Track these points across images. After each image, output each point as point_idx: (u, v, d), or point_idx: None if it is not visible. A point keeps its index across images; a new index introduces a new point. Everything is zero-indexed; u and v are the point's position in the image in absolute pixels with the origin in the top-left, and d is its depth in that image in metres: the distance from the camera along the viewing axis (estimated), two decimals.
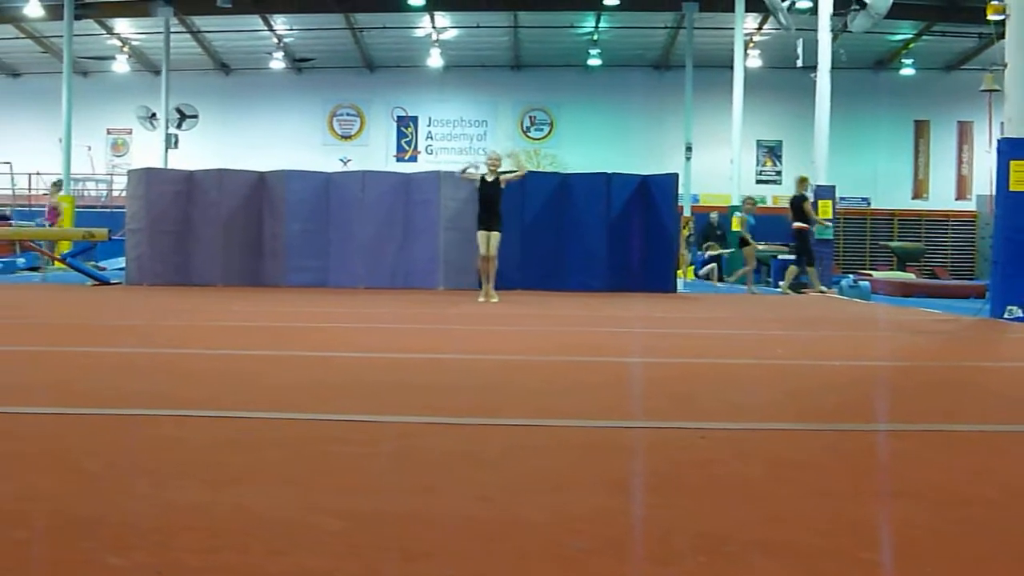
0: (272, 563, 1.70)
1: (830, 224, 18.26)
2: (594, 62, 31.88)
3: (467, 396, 3.87)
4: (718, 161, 28.62)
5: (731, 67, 24.56)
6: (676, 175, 16.14)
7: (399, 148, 34.78)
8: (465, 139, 34.41)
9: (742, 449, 2.87)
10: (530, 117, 34.36)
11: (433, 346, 6.32)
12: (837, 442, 3.07)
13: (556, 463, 2.59)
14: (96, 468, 2.44)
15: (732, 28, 24.94)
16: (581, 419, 3.28)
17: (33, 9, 27.31)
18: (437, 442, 2.86)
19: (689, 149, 28.19)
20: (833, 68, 18.48)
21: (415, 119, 34.83)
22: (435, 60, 32.34)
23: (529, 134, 34.38)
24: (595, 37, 30.72)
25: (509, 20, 30.05)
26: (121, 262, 17.70)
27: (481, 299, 11.71)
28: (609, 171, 16.19)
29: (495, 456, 2.67)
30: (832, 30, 18.79)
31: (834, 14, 18.78)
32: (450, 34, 31.32)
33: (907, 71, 31.93)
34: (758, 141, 32.61)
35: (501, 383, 4.33)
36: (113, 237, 16.10)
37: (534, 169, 24.67)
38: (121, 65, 33.21)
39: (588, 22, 30.07)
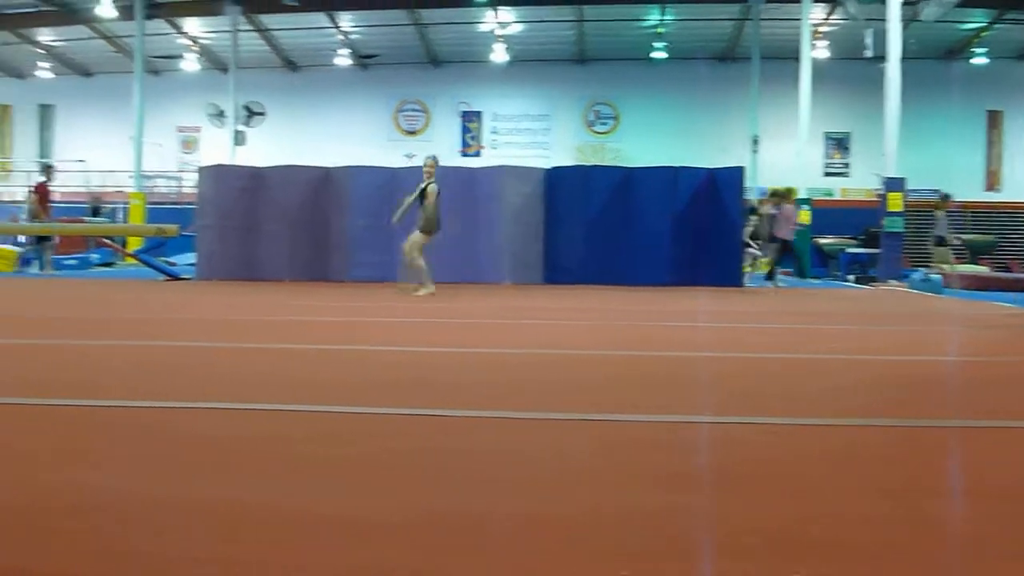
0: (328, 557, 1.72)
1: (899, 217, 17.97)
2: (659, 55, 31.64)
3: (531, 391, 3.87)
4: (785, 153, 28.28)
5: (798, 58, 24.24)
6: (742, 168, 15.99)
7: (463, 143, 34.87)
8: (529, 133, 34.40)
9: (805, 445, 2.84)
10: (594, 111, 34.24)
11: (497, 340, 6.33)
12: (902, 438, 3.03)
13: (619, 459, 2.59)
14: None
15: (799, 19, 24.60)
16: (644, 414, 3.27)
17: (105, 10, 27.80)
18: (500, 437, 2.87)
19: (756, 142, 27.91)
20: (903, 58, 18.17)
21: (479, 114, 34.89)
22: (499, 55, 32.36)
23: (593, 128, 34.27)
24: (660, 30, 30.50)
25: (573, 14, 29.96)
26: (190, 257, 17.97)
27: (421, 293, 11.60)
28: (674, 165, 16.09)
29: (558, 451, 2.67)
30: (902, 19, 18.47)
31: (904, 3, 18.46)
32: (514, 29, 31.31)
33: (979, 60, 31.25)
34: (825, 133, 32.17)
35: (564, 378, 4.33)
36: (183, 233, 16.37)
37: (597, 163, 24.61)
38: (190, 63, 33.70)
39: (653, 15, 29.88)
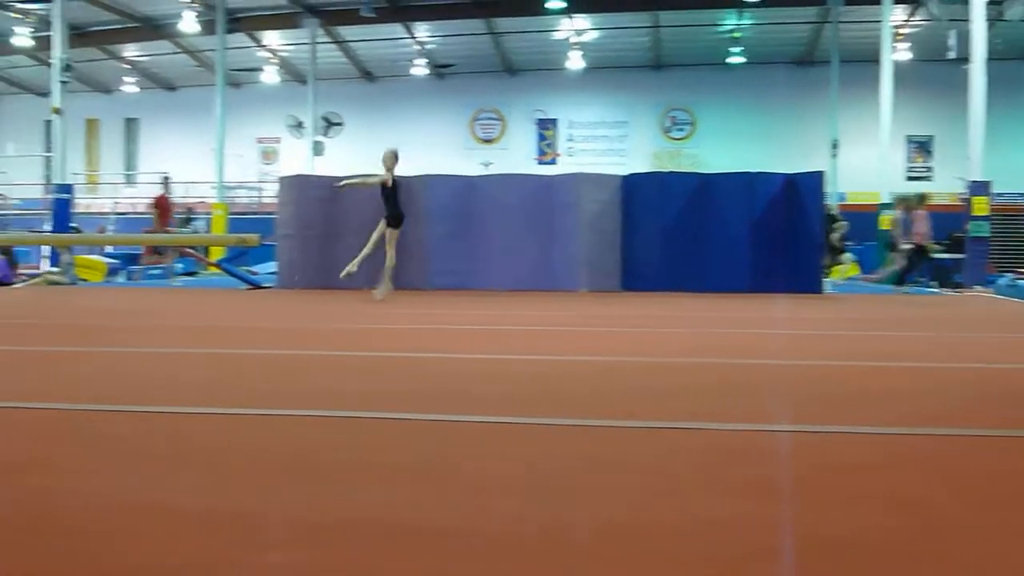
0: (416, 566, 1.73)
1: (985, 222, 17.59)
2: (736, 60, 31.39)
3: (609, 399, 3.86)
4: (866, 158, 27.83)
5: (878, 61, 23.86)
6: (822, 173, 15.75)
7: (539, 151, 34.94)
8: (605, 140, 34.37)
9: (890, 455, 2.79)
10: (671, 117, 34.09)
11: (577, 349, 6.33)
12: (993, 449, 2.96)
13: (699, 466, 2.57)
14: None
15: (879, 21, 24.23)
16: (723, 422, 3.25)
17: (188, 25, 28.43)
18: (582, 446, 2.87)
19: (835, 146, 27.54)
20: (988, 59, 17.78)
21: (555, 121, 34.94)
22: (575, 62, 32.38)
23: (670, 134, 34.12)
24: (737, 34, 30.25)
25: (649, 20, 29.88)
26: (271, 266, 18.22)
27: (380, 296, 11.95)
28: (752, 170, 15.93)
29: (637, 460, 2.66)
30: (987, 19, 18.08)
31: (989, 3, 18.08)
32: (590, 36, 31.32)
33: None
34: (908, 136, 31.65)
35: (643, 385, 4.31)
36: (263, 242, 16.61)
37: (674, 169, 24.51)
38: (270, 76, 34.28)
39: (730, 19, 29.66)
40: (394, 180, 12.31)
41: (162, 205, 19.27)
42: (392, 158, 12.37)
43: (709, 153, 32.58)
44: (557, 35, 31.38)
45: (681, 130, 34.11)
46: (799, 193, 15.19)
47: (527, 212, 15.49)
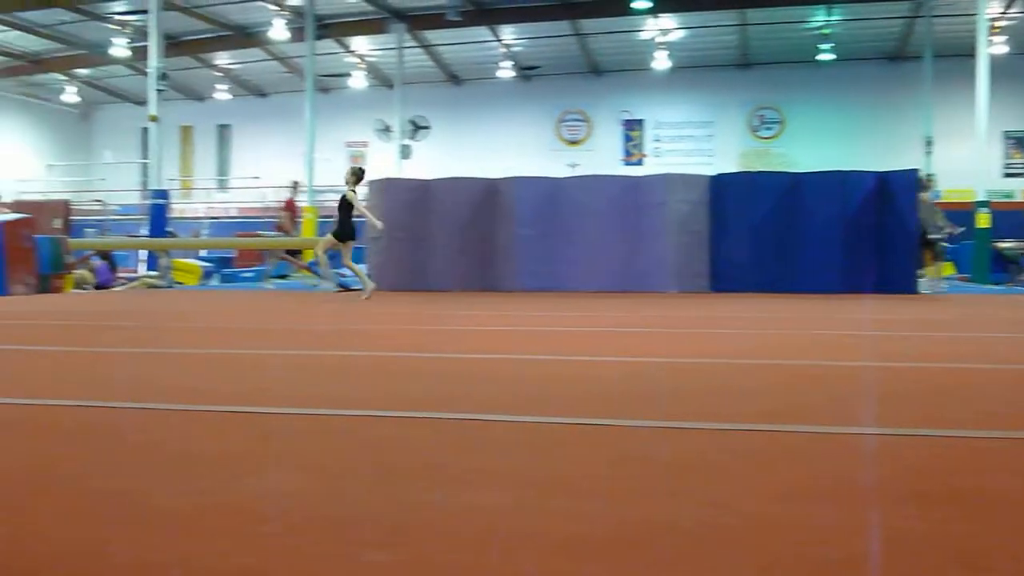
0: (508, 566, 1.74)
1: None
2: (825, 56, 30.88)
3: (695, 400, 3.84)
4: (961, 154, 27.18)
5: (973, 55, 23.29)
6: (916, 170, 15.45)
7: (626, 152, 34.81)
8: (692, 141, 34.10)
9: (987, 459, 2.73)
10: (759, 116, 33.69)
11: (662, 350, 6.30)
12: None
13: (786, 469, 2.55)
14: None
15: (974, 14, 23.64)
16: (812, 424, 3.21)
17: (278, 32, 28.94)
18: (668, 447, 2.86)
19: (929, 143, 26.95)
20: None
21: (641, 122, 34.78)
22: (661, 62, 32.18)
23: (758, 133, 33.73)
24: (826, 31, 29.75)
25: (736, 18, 29.56)
26: (360, 268, 18.42)
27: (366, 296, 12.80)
28: (843, 168, 15.69)
29: (724, 461, 2.64)
30: None
31: None
32: (676, 35, 31.10)
33: None
34: (1005, 132, 30.84)
35: (728, 387, 4.27)
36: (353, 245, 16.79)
37: (762, 169, 24.23)
38: (358, 81, 34.69)
39: (819, 16, 29.19)
40: (348, 198, 13.28)
41: (290, 207, 19.69)
42: (349, 174, 13.50)
43: (798, 152, 32.13)
44: (643, 35, 31.22)
45: (769, 129, 33.69)
46: (892, 191, 14.93)
47: (614, 213, 15.46)
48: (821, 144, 31.63)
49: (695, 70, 33.35)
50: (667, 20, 30.00)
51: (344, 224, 13.24)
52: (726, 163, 30.37)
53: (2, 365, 5.22)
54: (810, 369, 5.00)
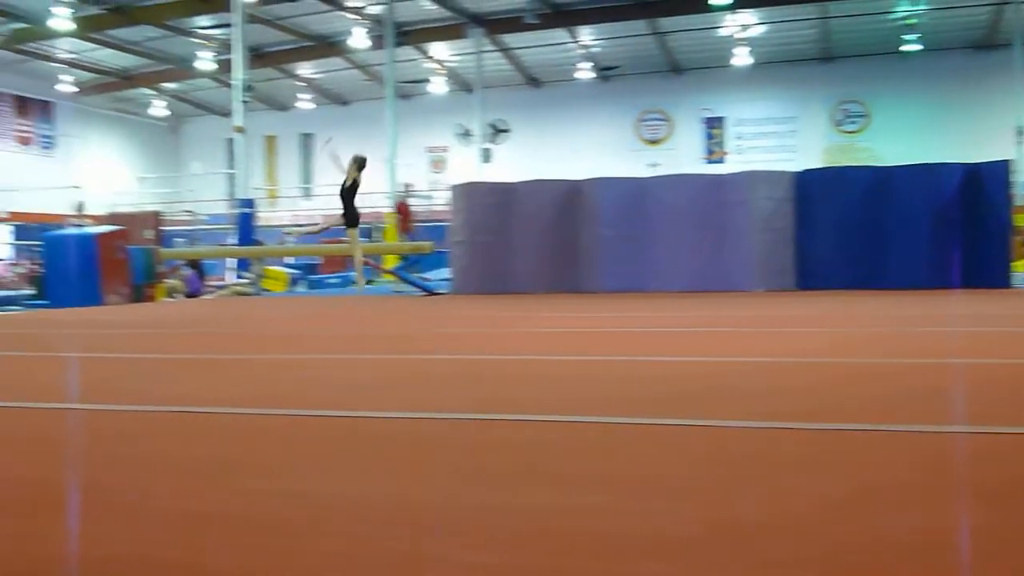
0: (610, 568, 1.76)
1: None
2: (911, 47, 30.29)
3: (799, 399, 3.82)
4: None
5: None
6: (1008, 162, 15.06)
7: (707, 150, 34.54)
8: (775, 137, 33.72)
9: None
10: (843, 110, 33.18)
11: (752, 349, 6.25)
12: None
13: (903, 472, 2.52)
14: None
15: None
16: (915, 424, 3.17)
17: (358, 41, 29.30)
18: (783, 447, 2.85)
19: (1020, 133, 26.28)
20: None
21: (722, 119, 34.49)
22: (741, 58, 31.89)
23: (842, 128, 33.23)
24: (911, 21, 29.17)
25: (817, 11, 29.15)
26: (443, 272, 18.59)
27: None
28: (931, 161, 15.38)
29: (838, 463, 2.62)
30: None
31: None
32: (756, 31, 30.78)
33: None
34: None
35: (829, 388, 4.24)
36: (436, 249, 16.95)
37: (847, 164, 23.78)
38: (438, 86, 34.94)
39: (903, 5, 28.63)
40: (352, 183, 14.10)
41: (403, 211, 19.92)
42: (352, 161, 14.28)
43: (884, 145, 31.53)
44: (722, 32, 30.94)
45: (854, 123, 33.16)
46: (982, 184, 14.58)
47: (697, 212, 15.34)
48: (907, 137, 31.04)
49: (776, 65, 32.96)
50: (746, 16, 29.70)
51: (348, 210, 14.04)
52: (809, 159, 29.93)
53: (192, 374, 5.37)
54: (907, 368, 4.93)
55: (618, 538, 1.88)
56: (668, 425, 3.14)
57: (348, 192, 13.86)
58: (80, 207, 26.86)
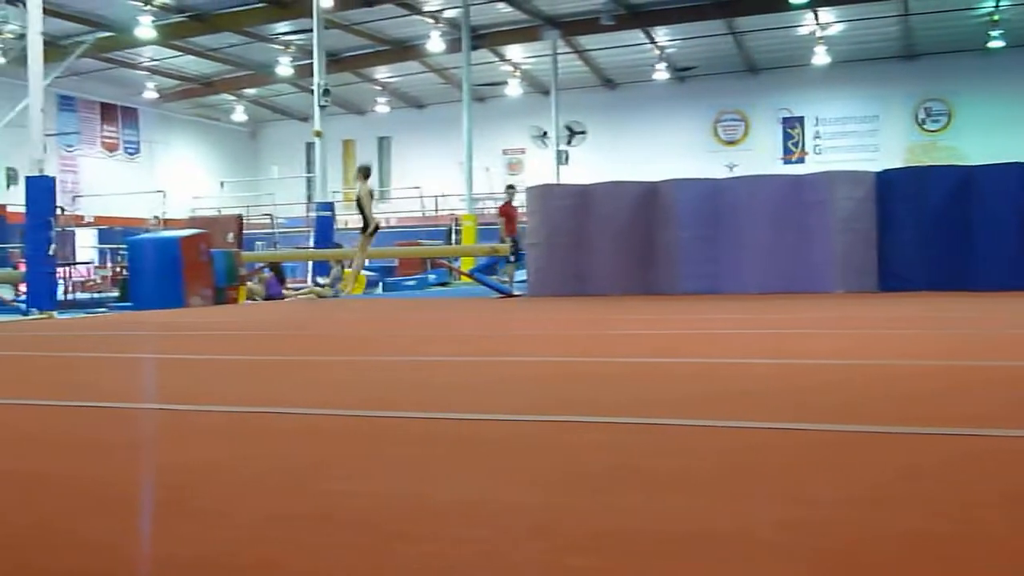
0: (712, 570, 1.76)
1: None
2: (996, 44, 29.65)
3: (891, 404, 3.76)
4: None
5: None
6: None
7: (786, 150, 34.16)
8: (855, 136, 33.23)
9: None
10: (925, 108, 32.60)
11: (831, 351, 6.17)
12: None
13: (1000, 475, 2.48)
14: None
15: None
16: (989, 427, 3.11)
17: (435, 45, 29.53)
18: (877, 452, 2.81)
19: None
20: None
21: (801, 119, 34.08)
22: (820, 57, 31.49)
23: (924, 127, 32.64)
24: (995, 17, 28.58)
25: (898, 8, 28.67)
26: (519, 275, 18.63)
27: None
28: (1016, 160, 15.03)
29: (932, 467, 2.59)
30: None
31: None
32: (835, 29, 30.39)
33: None
34: None
35: (904, 390, 4.17)
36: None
37: (929, 163, 23.38)
38: (513, 89, 35.04)
39: (987, 1, 28.06)
40: (359, 193, 15.35)
41: (507, 213, 20.00)
42: (357, 171, 15.58)
43: (968, 144, 30.90)
44: (801, 31, 30.60)
45: (936, 121, 32.55)
46: None
47: (776, 213, 15.17)
48: (992, 135, 30.38)
49: (856, 64, 32.49)
50: (826, 14, 29.34)
51: (363, 217, 15.29)
52: (890, 158, 29.46)
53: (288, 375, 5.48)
54: (996, 371, 4.83)
55: (726, 539, 1.88)
56: (759, 429, 3.12)
57: (361, 201, 15.22)
58: (156, 219, 27.40)
